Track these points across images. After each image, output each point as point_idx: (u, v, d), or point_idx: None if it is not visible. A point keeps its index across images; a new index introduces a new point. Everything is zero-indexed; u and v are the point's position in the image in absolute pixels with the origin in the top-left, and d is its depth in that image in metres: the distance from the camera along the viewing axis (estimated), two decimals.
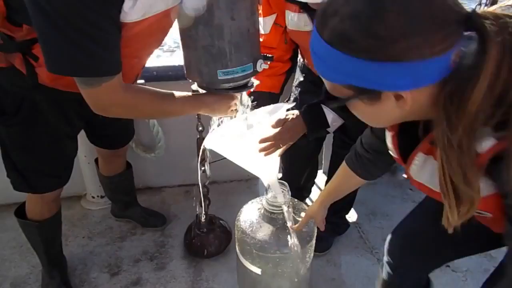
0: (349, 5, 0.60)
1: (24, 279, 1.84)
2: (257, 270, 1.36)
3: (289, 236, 1.31)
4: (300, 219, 1.32)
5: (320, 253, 1.94)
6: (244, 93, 1.23)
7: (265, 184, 1.33)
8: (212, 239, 1.90)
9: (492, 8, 0.60)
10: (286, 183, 1.34)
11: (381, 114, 0.70)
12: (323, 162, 2.50)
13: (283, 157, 2.12)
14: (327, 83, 0.70)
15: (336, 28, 0.61)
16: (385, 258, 1.29)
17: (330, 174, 1.94)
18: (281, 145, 1.24)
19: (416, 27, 0.57)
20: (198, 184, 1.54)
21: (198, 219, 1.91)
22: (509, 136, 0.61)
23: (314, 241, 1.39)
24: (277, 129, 1.22)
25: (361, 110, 0.71)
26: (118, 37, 1.00)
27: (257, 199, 1.44)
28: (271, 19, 1.57)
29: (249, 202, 1.47)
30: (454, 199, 0.66)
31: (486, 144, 0.62)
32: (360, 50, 0.60)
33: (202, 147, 1.30)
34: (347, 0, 0.60)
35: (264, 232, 1.33)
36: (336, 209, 1.78)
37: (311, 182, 2.13)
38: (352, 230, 2.12)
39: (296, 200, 1.47)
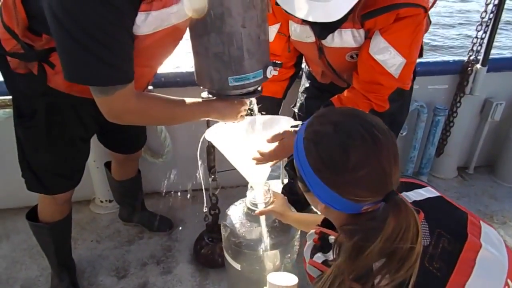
0: (327, 149, 0.79)
1: (34, 281, 1.87)
2: (237, 266, 1.42)
3: (265, 236, 1.37)
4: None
5: None
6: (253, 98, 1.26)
7: (250, 184, 1.38)
8: (221, 249, 1.86)
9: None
10: (269, 183, 1.40)
11: (312, 200, 0.90)
12: None
13: (289, 164, 2.15)
14: (294, 157, 0.89)
15: (313, 153, 0.81)
16: None
17: None
18: (274, 160, 1.26)
19: (360, 185, 0.77)
20: (207, 192, 1.56)
21: (207, 227, 1.92)
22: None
23: (295, 243, 1.44)
24: (274, 144, 1.23)
25: (302, 189, 0.91)
26: (131, 47, 1.04)
27: (243, 199, 1.48)
28: (275, 28, 1.61)
29: (238, 202, 1.51)
30: None
31: None
32: (318, 169, 0.80)
33: (202, 138, 1.34)
34: (325, 143, 0.80)
35: (244, 229, 1.40)
36: None
37: None
38: None
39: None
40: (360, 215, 0.81)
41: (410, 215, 0.73)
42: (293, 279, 1.12)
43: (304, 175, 0.84)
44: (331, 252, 0.87)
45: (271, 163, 1.28)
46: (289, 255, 1.42)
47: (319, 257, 0.90)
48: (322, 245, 0.93)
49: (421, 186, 0.95)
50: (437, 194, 0.93)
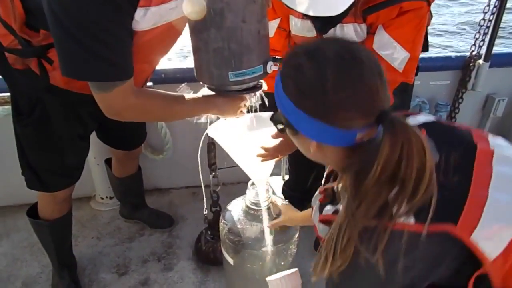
0: (303, 76, 0.73)
1: (35, 278, 1.87)
2: (230, 261, 1.44)
3: (263, 236, 1.37)
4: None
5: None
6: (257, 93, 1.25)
7: (252, 181, 1.38)
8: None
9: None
10: (269, 183, 1.41)
11: (303, 144, 0.84)
12: None
13: (290, 160, 2.15)
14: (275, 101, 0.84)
15: (290, 85, 0.77)
16: None
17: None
18: (279, 155, 1.26)
19: (346, 106, 0.71)
20: (208, 190, 1.56)
21: (208, 225, 1.91)
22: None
23: (292, 246, 1.44)
24: (278, 140, 1.22)
25: (291, 136, 0.86)
26: (130, 43, 1.03)
27: (245, 195, 1.48)
28: (275, 23, 1.60)
29: (240, 197, 1.51)
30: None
31: None
32: (298, 101, 0.75)
33: (204, 135, 1.34)
34: (301, 71, 0.73)
35: (240, 226, 1.41)
36: None
37: (317, 183, 2.14)
38: None
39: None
40: (357, 147, 0.75)
41: (409, 131, 0.67)
42: (292, 269, 1.12)
43: (287, 115, 0.79)
44: (340, 204, 0.82)
45: (275, 159, 1.28)
46: (282, 263, 1.43)
47: (329, 210, 0.86)
48: (329, 199, 0.89)
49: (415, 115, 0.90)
50: (433, 119, 0.88)
